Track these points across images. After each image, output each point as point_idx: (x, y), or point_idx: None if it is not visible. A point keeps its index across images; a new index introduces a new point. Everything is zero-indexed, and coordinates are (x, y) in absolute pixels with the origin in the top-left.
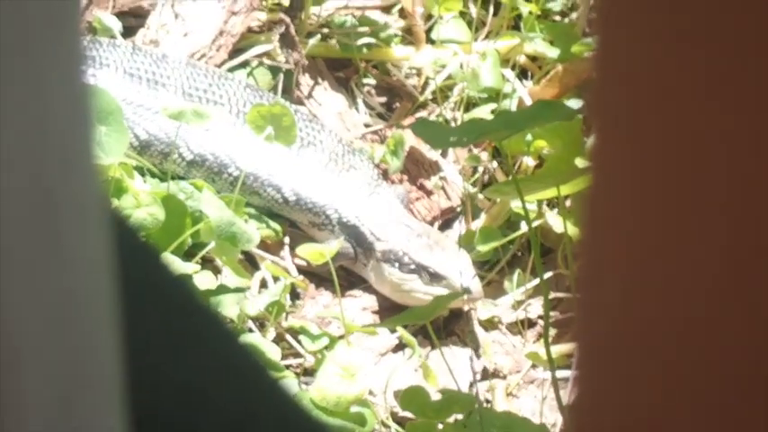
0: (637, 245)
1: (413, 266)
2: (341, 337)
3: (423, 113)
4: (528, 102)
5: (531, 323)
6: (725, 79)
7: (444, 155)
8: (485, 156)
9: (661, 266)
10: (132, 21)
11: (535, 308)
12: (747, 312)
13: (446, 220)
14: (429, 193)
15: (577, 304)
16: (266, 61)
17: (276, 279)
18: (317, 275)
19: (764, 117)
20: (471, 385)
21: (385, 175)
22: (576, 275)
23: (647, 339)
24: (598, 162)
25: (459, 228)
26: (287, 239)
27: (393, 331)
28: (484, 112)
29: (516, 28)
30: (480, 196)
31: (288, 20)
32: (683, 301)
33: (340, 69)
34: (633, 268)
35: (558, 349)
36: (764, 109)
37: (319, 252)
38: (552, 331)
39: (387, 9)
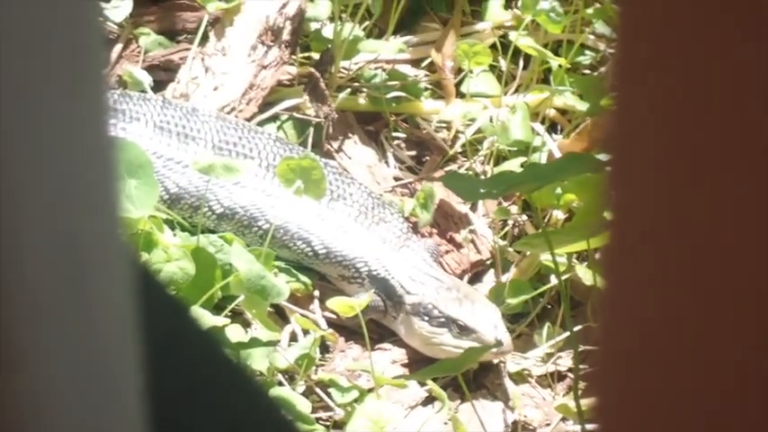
0: (658, 296)
1: (442, 319)
2: (370, 390)
3: (452, 167)
4: (557, 155)
5: (561, 376)
6: (740, 132)
7: (474, 208)
8: (514, 209)
9: (684, 318)
10: (162, 74)
11: (565, 361)
12: None
13: (476, 273)
14: (459, 247)
15: (599, 356)
16: (296, 115)
17: (306, 332)
18: (346, 328)
19: None
20: None
21: (415, 228)
22: (597, 327)
23: (668, 392)
24: (618, 213)
25: (488, 281)
26: (317, 292)
27: (423, 384)
28: (514, 165)
29: (546, 81)
30: (510, 249)
31: (318, 74)
32: (708, 350)
33: (370, 123)
34: (656, 320)
35: (588, 402)
36: None
37: (349, 305)
38: (582, 384)
39: (416, 63)
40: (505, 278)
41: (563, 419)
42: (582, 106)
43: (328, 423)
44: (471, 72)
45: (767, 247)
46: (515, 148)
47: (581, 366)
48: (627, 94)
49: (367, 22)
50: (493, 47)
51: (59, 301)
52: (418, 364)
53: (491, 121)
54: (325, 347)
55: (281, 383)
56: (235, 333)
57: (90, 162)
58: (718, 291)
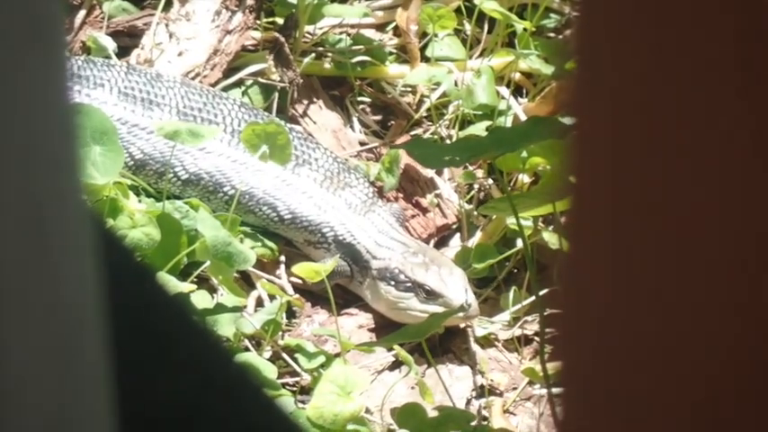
0: (621, 259)
1: (409, 284)
2: (337, 355)
3: (418, 131)
4: (523, 119)
5: (527, 340)
6: (705, 96)
7: (440, 172)
8: (480, 173)
9: (647, 280)
10: (127, 40)
11: (531, 324)
12: (737, 325)
13: (442, 237)
14: (425, 211)
15: (561, 320)
16: (261, 80)
17: (272, 298)
18: (312, 294)
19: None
20: (468, 402)
21: (380, 192)
22: (561, 291)
23: (633, 354)
24: (579, 174)
25: (455, 245)
26: (283, 258)
27: (389, 349)
28: (479, 129)
29: (511, 45)
30: (476, 213)
31: (282, 38)
32: (670, 315)
33: (335, 88)
34: (618, 284)
35: (555, 365)
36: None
37: (315, 270)
38: (548, 348)
39: (381, 27)
40: (471, 242)
41: (529, 383)
42: (547, 69)
43: (295, 388)
44: (436, 36)
45: (727, 218)
46: (480, 112)
47: (547, 330)
48: (590, 57)
49: None
50: (457, 10)
51: (22, 262)
52: (385, 328)
53: (456, 85)
54: (291, 313)
55: (247, 349)
56: (201, 299)
57: (50, 124)
58: (679, 254)
